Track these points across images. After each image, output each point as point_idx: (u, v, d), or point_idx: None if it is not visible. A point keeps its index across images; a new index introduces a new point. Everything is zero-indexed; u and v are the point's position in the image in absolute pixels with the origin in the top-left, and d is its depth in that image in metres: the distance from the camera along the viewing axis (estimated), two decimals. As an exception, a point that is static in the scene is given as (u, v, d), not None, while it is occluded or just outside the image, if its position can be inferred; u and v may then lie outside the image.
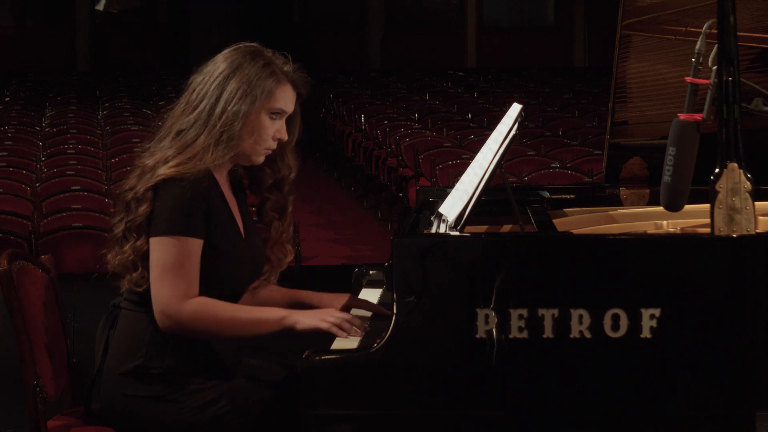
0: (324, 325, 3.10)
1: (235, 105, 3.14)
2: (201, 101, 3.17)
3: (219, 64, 3.20)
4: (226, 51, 3.23)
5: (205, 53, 3.37)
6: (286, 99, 3.21)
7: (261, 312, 3.15)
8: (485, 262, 2.96)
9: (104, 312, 3.26)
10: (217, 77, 3.17)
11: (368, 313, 3.39)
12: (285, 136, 3.23)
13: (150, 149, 3.22)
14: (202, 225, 3.12)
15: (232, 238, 3.20)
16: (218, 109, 3.15)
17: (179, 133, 3.18)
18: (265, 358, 3.41)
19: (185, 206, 3.10)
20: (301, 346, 3.06)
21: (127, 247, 3.14)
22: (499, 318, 2.93)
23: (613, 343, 2.94)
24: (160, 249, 3.09)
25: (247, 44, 3.25)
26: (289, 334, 3.11)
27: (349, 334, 3.10)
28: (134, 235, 3.13)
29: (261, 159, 3.24)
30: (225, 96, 3.15)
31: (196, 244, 3.10)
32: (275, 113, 3.20)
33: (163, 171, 3.12)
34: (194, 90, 3.20)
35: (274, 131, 3.20)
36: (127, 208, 3.16)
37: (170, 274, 3.07)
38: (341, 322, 3.11)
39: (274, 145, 3.23)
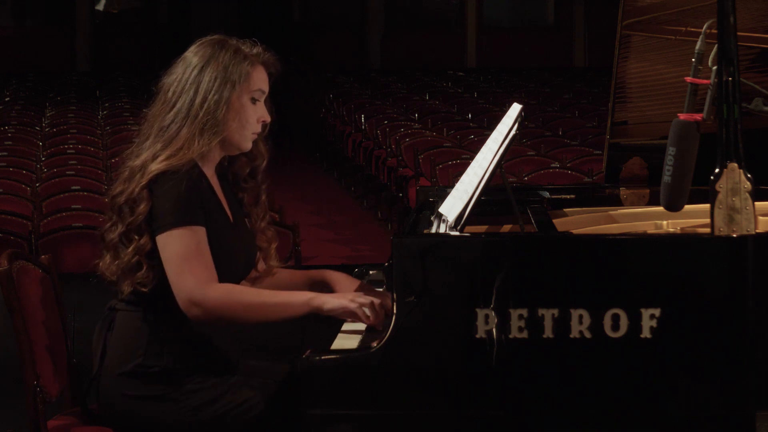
0: (352, 306, 3.10)
1: (215, 93, 3.17)
2: (179, 97, 3.19)
3: (189, 60, 3.23)
4: (192, 48, 3.26)
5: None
6: (262, 80, 3.25)
7: (288, 296, 3.16)
8: (485, 262, 2.96)
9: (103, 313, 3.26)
10: (191, 72, 3.20)
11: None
12: (268, 118, 3.27)
13: (134, 152, 3.23)
14: (202, 213, 3.13)
15: (224, 229, 3.21)
16: (198, 100, 3.17)
17: (161, 129, 3.19)
18: (265, 358, 3.41)
19: (185, 197, 3.10)
20: (301, 346, 3.06)
21: (129, 250, 3.13)
22: (499, 318, 2.93)
23: (613, 343, 2.94)
24: (172, 242, 3.09)
25: (211, 37, 3.27)
26: (315, 315, 3.12)
27: (373, 320, 3.11)
28: (135, 236, 3.13)
29: (249, 144, 3.26)
30: (203, 87, 3.17)
31: (203, 231, 3.12)
32: (255, 95, 3.22)
33: (154, 167, 3.13)
34: (169, 89, 3.22)
35: (258, 115, 3.23)
36: (120, 213, 3.16)
37: (189, 263, 3.08)
38: (369, 306, 3.10)
39: (259, 128, 3.26)
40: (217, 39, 3.26)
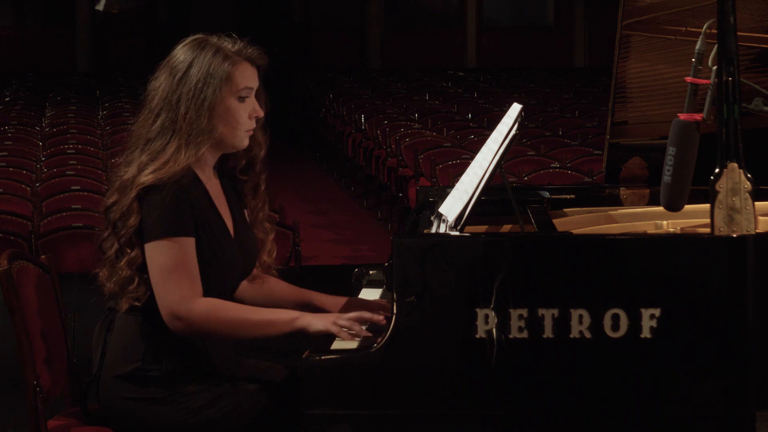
0: (334, 329, 3.08)
1: (197, 101, 3.12)
2: (162, 109, 3.15)
3: (171, 65, 3.18)
4: (175, 50, 3.20)
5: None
6: (247, 77, 3.19)
7: (272, 313, 3.13)
8: (485, 262, 2.96)
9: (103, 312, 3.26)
10: (172, 80, 3.15)
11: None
12: (261, 113, 3.22)
13: (123, 162, 3.21)
14: (192, 223, 3.11)
15: (218, 236, 3.18)
16: (181, 110, 3.13)
17: (147, 142, 3.16)
18: (265, 359, 3.41)
19: (171, 207, 3.08)
20: (301, 346, 3.06)
21: (122, 264, 3.12)
22: (499, 318, 2.93)
23: (613, 343, 2.94)
24: (157, 253, 3.08)
25: (193, 37, 3.22)
26: (299, 335, 3.10)
27: (357, 337, 3.10)
28: (128, 249, 3.11)
29: (246, 142, 3.22)
30: (185, 95, 3.13)
31: (190, 243, 3.10)
32: (242, 93, 3.18)
33: (142, 179, 3.09)
34: (153, 99, 3.18)
35: (249, 111, 3.19)
36: (114, 228, 3.14)
37: (173, 276, 3.07)
38: (352, 325, 3.09)
39: (253, 124, 3.21)
40: (198, 40, 3.20)
